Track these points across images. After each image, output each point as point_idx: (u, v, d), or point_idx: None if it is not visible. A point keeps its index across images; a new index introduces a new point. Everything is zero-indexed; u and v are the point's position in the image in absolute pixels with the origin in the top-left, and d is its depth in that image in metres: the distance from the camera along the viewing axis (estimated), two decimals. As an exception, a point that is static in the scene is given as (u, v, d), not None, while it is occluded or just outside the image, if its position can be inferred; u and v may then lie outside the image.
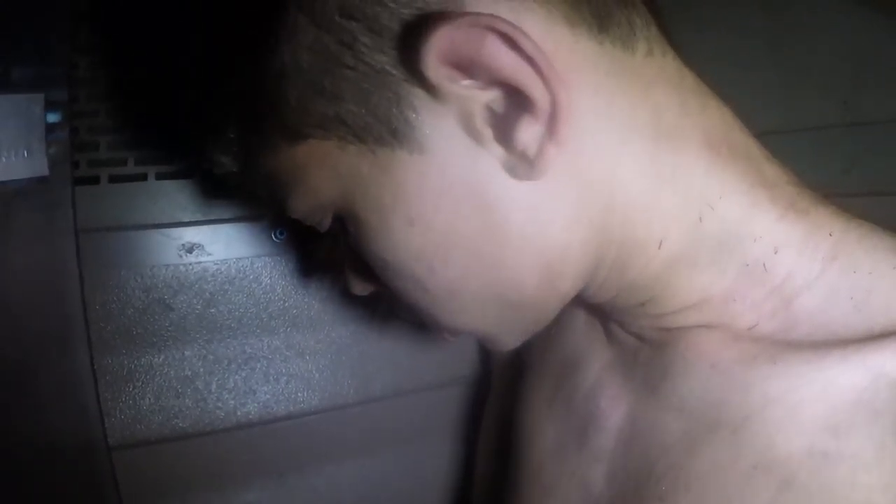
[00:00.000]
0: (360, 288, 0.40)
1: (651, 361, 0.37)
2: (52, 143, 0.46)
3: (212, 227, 0.52)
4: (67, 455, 0.49)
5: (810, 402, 0.30)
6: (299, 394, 0.55)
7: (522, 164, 0.30)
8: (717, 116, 0.34)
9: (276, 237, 0.53)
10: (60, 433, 0.49)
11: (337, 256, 0.41)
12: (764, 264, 0.33)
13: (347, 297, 0.56)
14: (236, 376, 0.53)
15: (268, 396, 0.54)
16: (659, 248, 0.33)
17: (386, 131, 0.30)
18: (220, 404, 0.53)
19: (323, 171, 0.32)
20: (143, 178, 0.50)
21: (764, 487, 0.30)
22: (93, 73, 0.48)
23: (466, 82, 0.29)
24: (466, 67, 0.29)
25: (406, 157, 0.30)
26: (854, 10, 0.61)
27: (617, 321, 0.39)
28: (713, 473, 0.32)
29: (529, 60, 0.28)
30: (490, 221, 0.31)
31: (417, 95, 0.29)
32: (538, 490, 0.42)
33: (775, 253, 0.33)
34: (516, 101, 0.29)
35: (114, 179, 0.50)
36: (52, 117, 0.46)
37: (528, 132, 0.29)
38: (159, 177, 0.51)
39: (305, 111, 0.31)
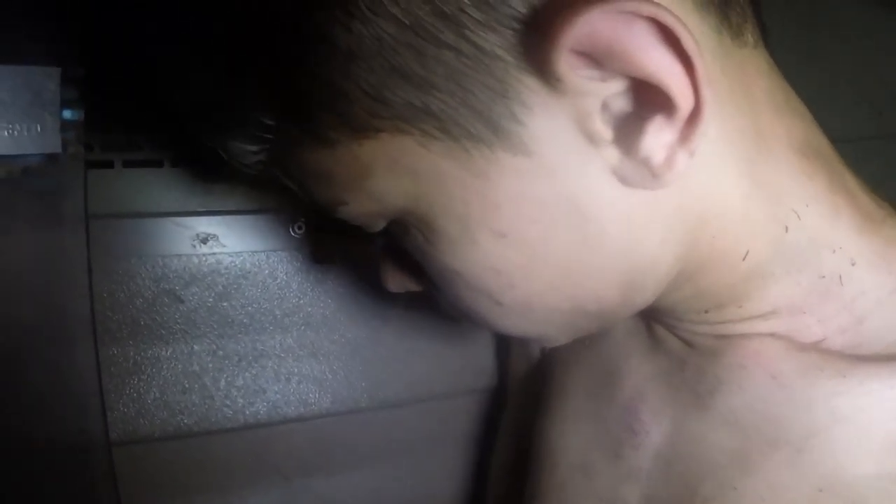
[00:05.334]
0: (400, 286, 0.37)
1: (702, 370, 0.34)
2: (65, 123, 0.44)
3: (228, 217, 0.50)
4: (66, 449, 0.47)
5: (881, 422, 0.29)
6: (310, 395, 0.53)
7: (640, 173, 0.26)
8: (806, 118, 0.32)
9: (294, 231, 0.51)
10: (60, 425, 0.47)
11: (374, 250, 0.38)
12: (840, 276, 0.31)
13: (364, 298, 0.54)
14: (246, 374, 0.51)
15: (277, 396, 0.52)
16: (743, 260, 0.30)
17: (485, 128, 0.25)
18: (227, 402, 0.51)
19: (394, 171, 0.27)
20: (159, 164, 0.48)
21: None
22: (111, 51, 0.46)
23: (589, 72, 0.25)
24: (597, 57, 0.24)
25: (507, 159, 0.26)
26: (890, 21, 0.60)
27: (666, 325, 0.36)
28: (770, 495, 0.30)
29: (684, 59, 0.23)
30: (586, 234, 0.28)
31: (529, 86, 0.25)
32: None
33: (852, 265, 0.31)
34: (646, 98, 0.25)
35: (128, 164, 0.48)
36: (68, 95, 0.44)
37: (658, 137, 0.25)
38: (175, 163, 0.49)
39: (381, 100, 0.25)
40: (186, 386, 0.50)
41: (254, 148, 0.31)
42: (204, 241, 0.49)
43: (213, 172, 0.49)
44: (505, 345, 0.56)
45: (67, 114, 0.44)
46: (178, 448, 0.50)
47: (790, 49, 0.59)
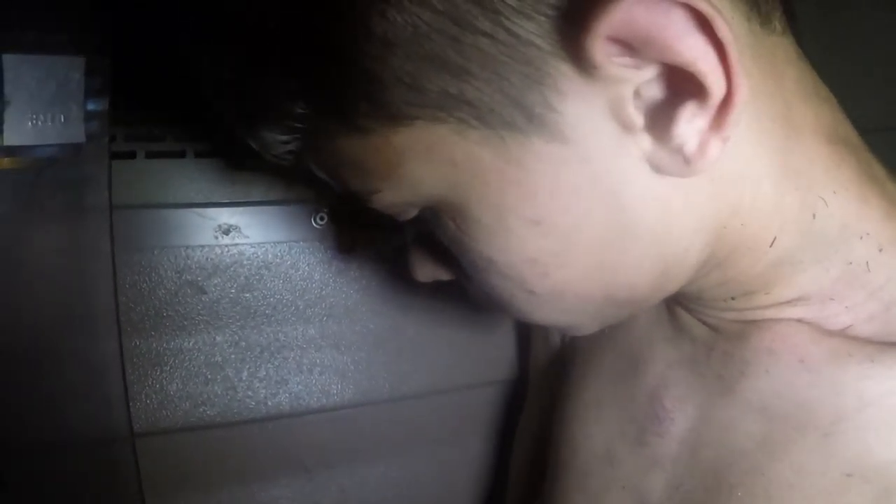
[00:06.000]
0: (429, 275, 0.37)
1: (728, 355, 0.34)
2: (89, 113, 0.44)
3: (250, 208, 0.50)
4: (89, 440, 0.47)
5: None
6: (332, 386, 0.53)
7: (674, 160, 0.26)
8: (834, 105, 0.32)
9: (316, 222, 0.51)
10: (84, 416, 0.47)
11: (397, 241, 0.38)
12: (867, 263, 0.31)
13: (387, 289, 0.54)
14: (268, 365, 0.51)
15: (300, 388, 0.52)
16: (770, 247, 0.30)
17: (520, 115, 0.25)
18: (250, 393, 0.51)
19: (430, 160, 0.27)
20: (181, 155, 0.48)
21: (859, 497, 0.28)
22: (136, 41, 0.46)
23: (623, 60, 0.24)
24: (633, 44, 0.24)
25: (542, 146, 0.26)
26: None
27: (692, 310, 0.36)
28: (799, 481, 0.30)
29: (717, 46, 0.23)
30: (620, 223, 0.28)
31: (564, 74, 0.25)
32: (583, 499, 0.40)
33: (880, 251, 0.31)
34: (678, 85, 0.25)
35: (150, 155, 0.48)
36: (92, 85, 0.44)
37: (691, 124, 0.25)
38: (198, 154, 0.49)
39: (417, 88, 0.25)
40: (209, 377, 0.50)
41: (285, 137, 0.31)
42: (226, 232, 0.49)
43: (235, 163, 0.49)
44: (527, 336, 0.56)
45: (91, 104, 0.44)
46: (201, 439, 0.50)
47: (817, 37, 0.58)
